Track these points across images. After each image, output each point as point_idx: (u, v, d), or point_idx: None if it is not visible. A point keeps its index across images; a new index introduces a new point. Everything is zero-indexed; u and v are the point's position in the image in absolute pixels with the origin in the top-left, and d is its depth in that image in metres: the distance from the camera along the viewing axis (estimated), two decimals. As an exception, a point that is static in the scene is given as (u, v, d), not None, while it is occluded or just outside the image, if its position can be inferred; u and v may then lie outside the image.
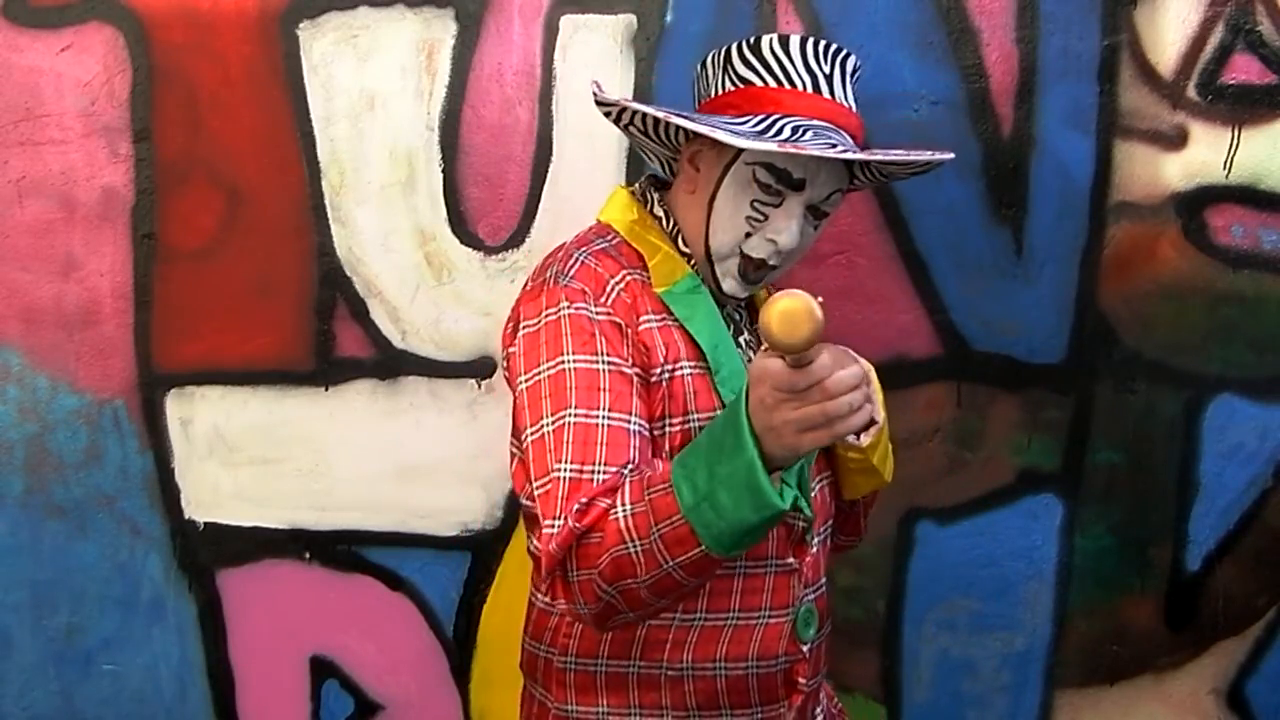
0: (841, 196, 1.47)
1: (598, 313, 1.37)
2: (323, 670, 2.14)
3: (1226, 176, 1.96)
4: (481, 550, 2.08)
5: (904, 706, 2.10)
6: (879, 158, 1.43)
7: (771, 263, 1.44)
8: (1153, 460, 2.02)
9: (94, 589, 2.13)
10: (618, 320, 1.38)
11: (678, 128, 1.49)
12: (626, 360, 1.36)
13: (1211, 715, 2.09)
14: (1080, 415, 2.02)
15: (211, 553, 2.11)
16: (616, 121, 1.57)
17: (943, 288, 1.99)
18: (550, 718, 1.51)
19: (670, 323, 1.42)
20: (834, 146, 1.36)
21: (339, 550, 2.10)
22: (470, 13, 1.99)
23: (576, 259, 1.43)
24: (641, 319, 1.40)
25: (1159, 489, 2.03)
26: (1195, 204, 1.97)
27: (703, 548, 1.20)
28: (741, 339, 1.53)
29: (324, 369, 2.06)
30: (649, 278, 1.44)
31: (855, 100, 1.48)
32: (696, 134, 1.45)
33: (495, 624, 2.09)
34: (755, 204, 1.42)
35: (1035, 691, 2.09)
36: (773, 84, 1.44)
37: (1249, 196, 1.96)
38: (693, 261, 1.49)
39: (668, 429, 1.38)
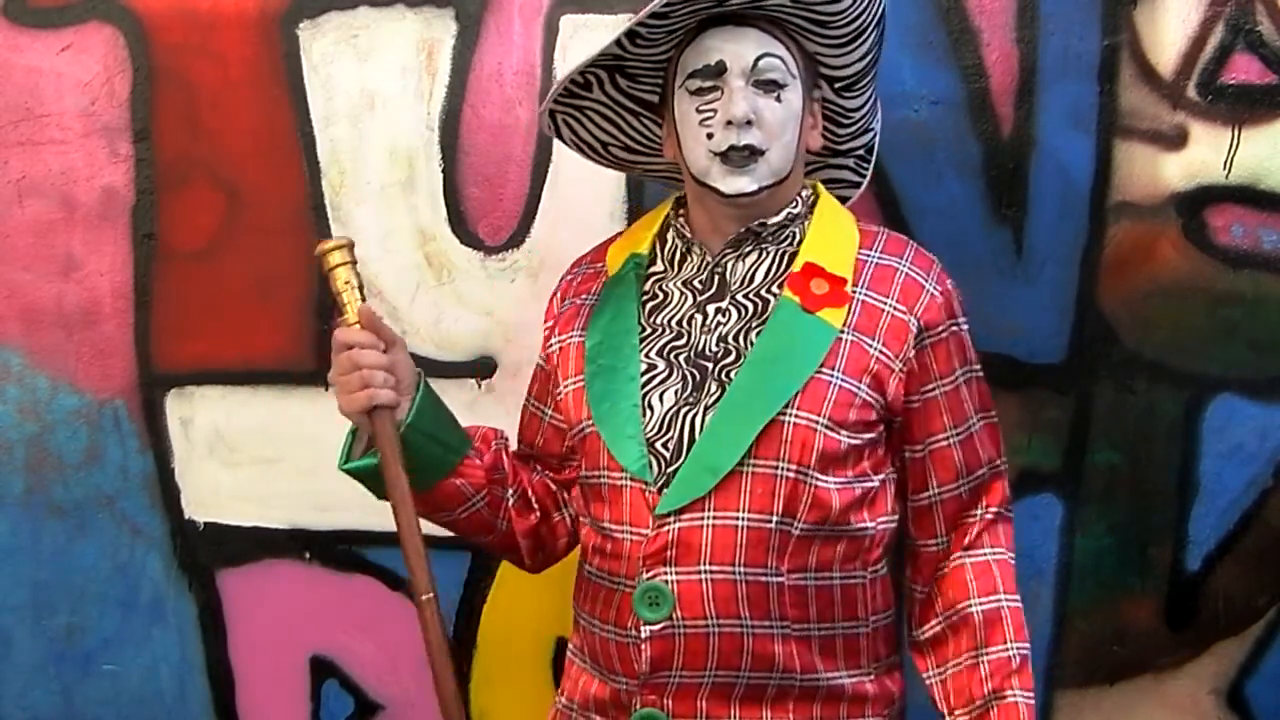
0: (784, 63, 1.46)
1: (550, 311, 1.66)
2: (323, 670, 2.14)
3: (1226, 176, 1.96)
4: (482, 550, 2.08)
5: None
6: None
7: (743, 142, 1.43)
8: (1153, 460, 2.02)
9: (94, 589, 2.13)
10: (550, 312, 1.65)
11: (646, 130, 1.66)
12: (544, 349, 1.64)
13: (1211, 715, 2.08)
14: (1080, 415, 2.02)
15: (211, 553, 2.11)
16: (616, 166, 1.75)
17: (943, 288, 1.99)
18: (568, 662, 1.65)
19: (586, 301, 1.60)
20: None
21: (339, 550, 2.10)
22: (470, 13, 1.99)
23: None
24: (565, 301, 1.63)
25: (1159, 489, 2.03)
26: (1195, 204, 1.96)
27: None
28: (711, 306, 1.50)
29: (324, 369, 2.05)
30: (604, 266, 1.62)
31: None
32: (667, 119, 1.57)
33: (495, 624, 2.10)
34: (700, 109, 1.46)
35: (1035, 692, 2.09)
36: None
37: (1249, 196, 1.96)
38: (686, 231, 1.56)
39: (562, 393, 1.57)
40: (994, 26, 1.95)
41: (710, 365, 1.47)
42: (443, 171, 2.02)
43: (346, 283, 1.48)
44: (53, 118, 2.04)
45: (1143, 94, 1.95)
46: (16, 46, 2.03)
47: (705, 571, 1.41)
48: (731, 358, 1.46)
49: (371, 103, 2.02)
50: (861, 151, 1.72)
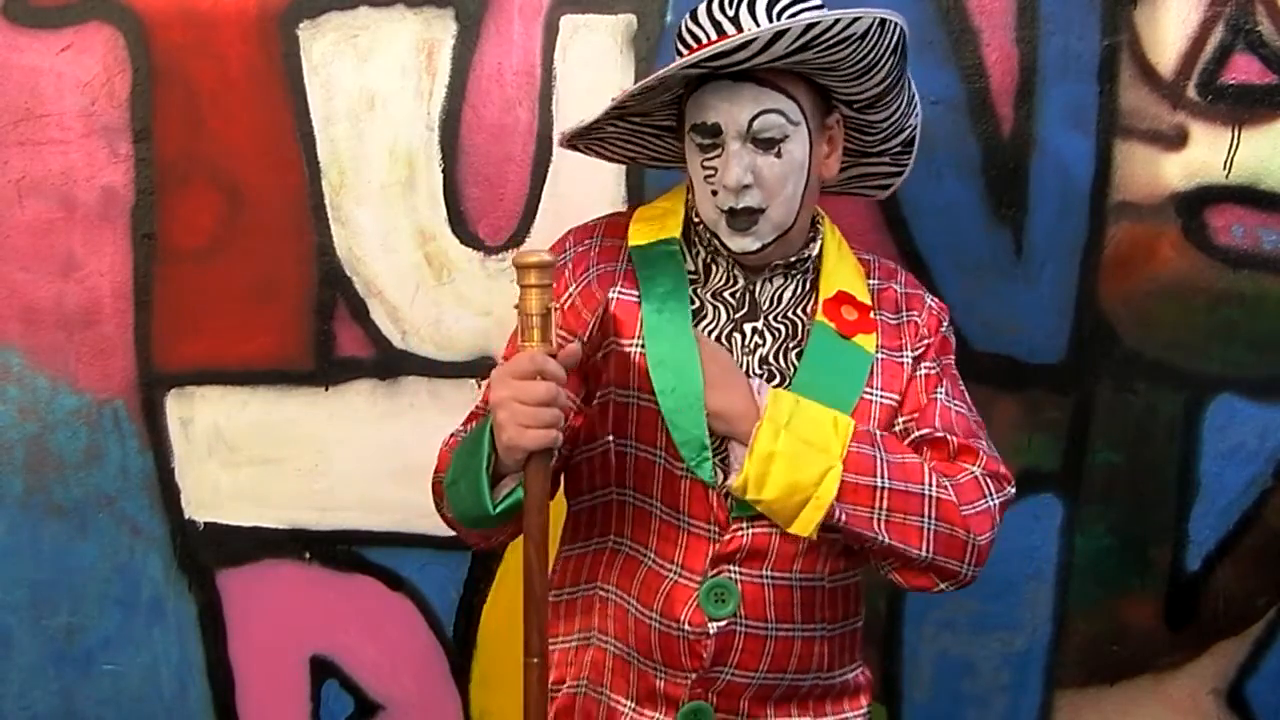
0: (784, 114, 1.41)
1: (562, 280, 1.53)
2: (323, 670, 2.14)
3: (1226, 176, 1.96)
4: (481, 550, 2.08)
5: (904, 706, 2.10)
6: (722, 46, 1.34)
7: (741, 205, 1.42)
8: (1153, 460, 2.02)
9: (94, 589, 2.13)
10: (562, 280, 1.51)
11: (670, 147, 1.63)
12: (567, 321, 1.51)
13: (1211, 715, 2.09)
14: (1080, 415, 2.02)
15: (211, 553, 2.11)
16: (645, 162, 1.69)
17: (943, 288, 1.99)
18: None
19: (619, 267, 1.51)
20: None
21: (339, 550, 2.10)
22: (470, 13, 1.99)
23: (569, 229, 1.60)
24: (588, 269, 1.52)
25: (1159, 489, 2.03)
26: (1195, 204, 1.97)
27: (452, 515, 1.44)
28: (748, 325, 1.50)
29: (324, 369, 2.07)
30: (622, 241, 1.54)
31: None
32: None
33: (495, 624, 2.10)
34: (704, 164, 1.45)
35: (1035, 691, 2.09)
36: (685, 52, 1.44)
37: (1249, 196, 1.96)
38: (705, 246, 1.53)
39: (627, 350, 1.48)
40: (994, 26, 1.95)
41: None
42: (443, 171, 2.02)
43: (546, 307, 1.31)
44: (53, 118, 2.04)
45: (1143, 94, 1.95)
46: (16, 46, 2.03)
47: (767, 576, 1.46)
48: (776, 380, 1.48)
49: (371, 103, 2.02)
50: (898, 148, 1.67)
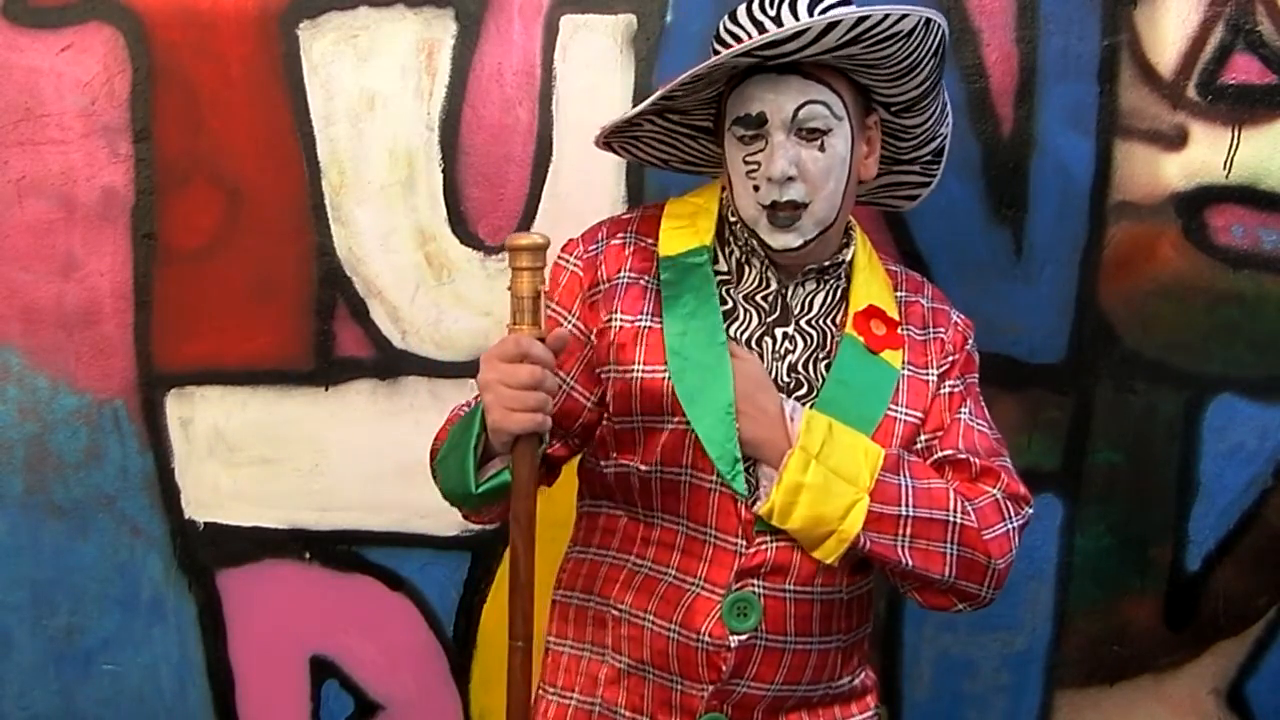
0: (828, 107, 1.41)
1: (571, 263, 1.53)
2: (323, 670, 2.14)
3: (1226, 176, 1.96)
4: (481, 550, 2.08)
5: (904, 706, 2.10)
6: (776, 35, 1.35)
7: (785, 198, 1.42)
8: (1153, 460, 2.02)
9: (94, 589, 2.13)
10: (580, 272, 1.51)
11: (705, 149, 1.63)
12: (570, 311, 1.50)
13: (1211, 715, 2.09)
14: (1080, 415, 2.02)
15: (211, 553, 2.11)
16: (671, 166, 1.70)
17: (943, 288, 1.98)
18: (548, 652, 1.62)
19: (650, 283, 1.49)
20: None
21: (339, 550, 2.11)
22: (470, 13, 1.99)
23: (601, 221, 1.58)
24: (621, 271, 1.50)
25: (1159, 489, 2.03)
26: (1195, 204, 1.97)
27: (441, 488, 1.45)
28: (779, 330, 1.49)
29: (324, 369, 2.07)
30: (655, 245, 1.52)
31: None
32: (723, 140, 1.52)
33: (495, 624, 2.09)
34: (746, 159, 1.45)
35: (1035, 691, 2.09)
36: (725, 51, 1.44)
37: (1249, 196, 1.96)
38: (740, 246, 1.52)
39: (612, 374, 1.48)
40: (994, 26, 1.95)
41: (785, 395, 1.48)
42: (443, 171, 2.02)
43: (537, 290, 1.30)
44: (53, 118, 2.04)
45: (1143, 94, 1.95)
46: (16, 46, 2.03)
47: (789, 590, 1.46)
48: (804, 390, 1.48)
49: (371, 103, 2.02)
50: (928, 156, 1.68)
